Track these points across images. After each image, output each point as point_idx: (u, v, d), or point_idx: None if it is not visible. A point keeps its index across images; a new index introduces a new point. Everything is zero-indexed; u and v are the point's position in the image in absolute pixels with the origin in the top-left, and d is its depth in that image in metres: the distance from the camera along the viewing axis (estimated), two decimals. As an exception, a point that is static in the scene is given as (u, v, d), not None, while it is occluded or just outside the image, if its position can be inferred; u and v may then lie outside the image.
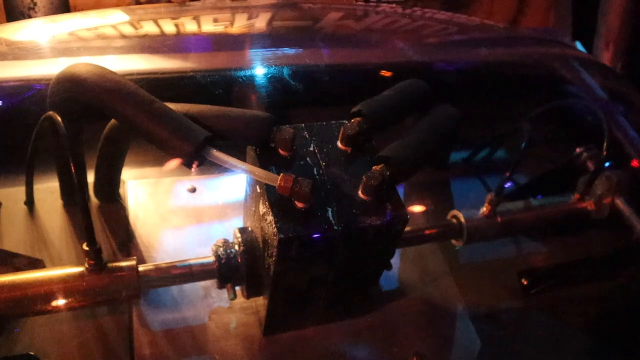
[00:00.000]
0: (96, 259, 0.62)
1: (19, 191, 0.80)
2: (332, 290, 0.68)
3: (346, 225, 0.59)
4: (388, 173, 0.61)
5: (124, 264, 0.64)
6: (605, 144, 0.85)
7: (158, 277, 0.66)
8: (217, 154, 0.59)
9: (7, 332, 0.69)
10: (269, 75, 0.97)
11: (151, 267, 0.65)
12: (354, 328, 0.77)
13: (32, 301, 0.60)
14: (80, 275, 0.62)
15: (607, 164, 0.88)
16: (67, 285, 0.61)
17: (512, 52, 1.22)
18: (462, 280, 0.87)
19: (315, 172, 0.62)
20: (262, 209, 0.60)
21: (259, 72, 0.97)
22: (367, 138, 0.66)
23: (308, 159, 0.63)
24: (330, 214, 0.59)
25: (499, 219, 0.82)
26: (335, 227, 0.58)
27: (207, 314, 0.74)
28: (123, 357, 0.69)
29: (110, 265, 0.63)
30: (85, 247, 0.61)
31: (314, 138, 0.66)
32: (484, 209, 0.81)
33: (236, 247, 0.66)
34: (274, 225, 0.57)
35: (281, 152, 0.63)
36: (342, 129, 0.65)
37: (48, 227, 0.80)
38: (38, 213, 0.81)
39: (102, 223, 0.81)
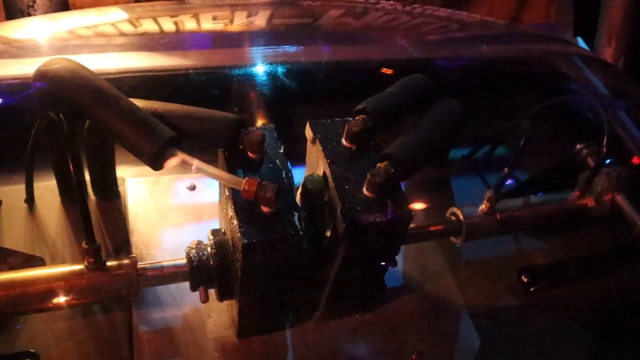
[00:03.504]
0: (96, 257, 0.62)
1: (19, 189, 0.80)
2: (336, 288, 0.68)
3: (351, 222, 0.59)
4: (392, 170, 0.61)
5: (123, 261, 0.64)
6: (605, 141, 0.84)
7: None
8: (182, 156, 0.58)
9: (7, 329, 0.69)
10: (269, 73, 0.96)
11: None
12: (353, 326, 0.77)
13: (32, 299, 0.61)
14: (79, 273, 0.62)
15: (607, 161, 0.88)
16: (66, 283, 0.61)
17: (513, 49, 1.21)
18: (462, 278, 0.87)
19: (283, 176, 0.61)
20: (230, 212, 0.59)
21: (259, 69, 0.97)
22: (372, 135, 0.66)
23: (277, 162, 0.63)
24: (296, 218, 0.58)
25: (498, 216, 0.81)
26: (301, 232, 0.57)
27: (207, 311, 0.74)
28: (123, 355, 0.69)
29: (109, 263, 0.63)
30: (84, 245, 0.61)
31: (318, 135, 0.65)
32: (483, 206, 0.81)
33: (209, 249, 0.64)
34: (238, 230, 0.56)
35: (250, 155, 0.62)
36: (346, 126, 0.65)
37: (48, 225, 0.80)
38: (38, 211, 0.81)
39: (100, 221, 0.81)
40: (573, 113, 1.06)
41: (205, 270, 0.64)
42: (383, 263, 0.71)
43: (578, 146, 0.96)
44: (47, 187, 0.82)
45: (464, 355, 0.78)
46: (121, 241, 0.80)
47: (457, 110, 0.73)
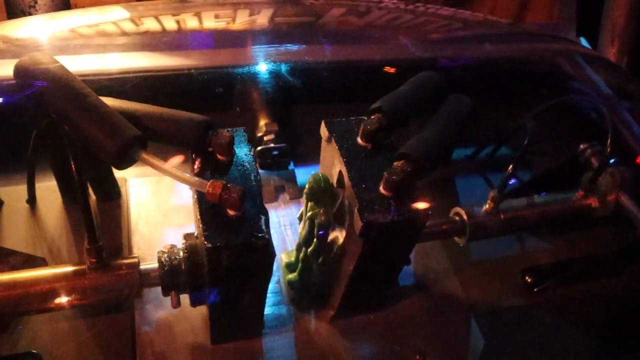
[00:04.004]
0: (98, 257, 0.61)
1: (21, 190, 0.80)
2: (352, 287, 0.68)
3: (369, 221, 0.59)
4: (409, 169, 0.61)
5: (125, 262, 0.64)
6: (609, 140, 0.84)
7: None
8: (146, 156, 0.56)
9: (10, 330, 0.69)
10: (272, 72, 0.96)
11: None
12: (356, 326, 0.77)
13: (34, 299, 0.60)
14: (81, 273, 0.62)
15: (611, 161, 0.87)
16: (68, 283, 0.61)
17: (516, 48, 1.21)
18: (465, 278, 0.86)
19: (252, 179, 0.61)
20: (197, 215, 0.58)
21: (262, 69, 0.97)
22: (387, 134, 0.65)
23: (247, 164, 0.62)
24: (262, 222, 0.57)
25: (502, 216, 0.81)
26: (267, 237, 0.56)
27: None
28: (125, 355, 0.69)
29: (111, 263, 0.63)
30: (86, 245, 0.61)
31: (334, 134, 0.65)
32: (486, 206, 0.80)
33: (181, 253, 0.63)
34: (202, 234, 0.55)
35: (219, 157, 0.61)
36: (362, 125, 0.65)
37: (50, 226, 0.80)
38: (40, 211, 0.81)
39: (102, 221, 0.81)
40: (577, 112, 1.06)
41: (176, 275, 0.62)
42: (398, 261, 0.70)
43: (582, 146, 0.95)
44: (48, 188, 0.82)
45: (468, 356, 0.78)
46: (123, 242, 0.80)
47: (468, 107, 0.73)
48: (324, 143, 0.70)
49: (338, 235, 0.75)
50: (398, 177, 0.60)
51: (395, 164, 0.62)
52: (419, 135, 0.65)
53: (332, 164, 0.68)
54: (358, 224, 0.60)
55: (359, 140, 0.65)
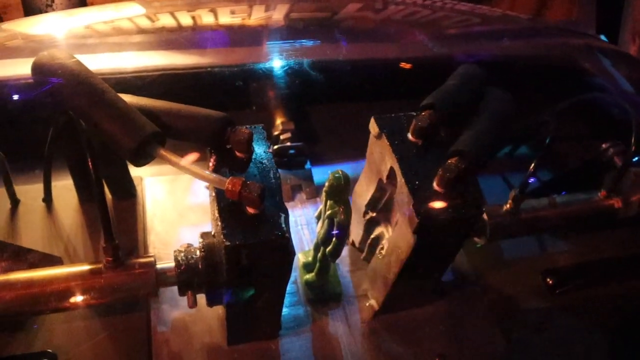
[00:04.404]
0: (114, 256, 0.61)
1: (37, 188, 0.80)
2: (399, 283, 0.68)
3: (424, 217, 0.58)
4: (463, 166, 0.61)
5: (142, 261, 0.63)
6: (633, 139, 0.82)
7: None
8: (164, 153, 0.56)
9: (25, 329, 0.69)
10: (289, 70, 0.95)
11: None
12: (374, 328, 0.76)
13: (50, 298, 0.60)
14: (98, 272, 0.61)
15: (635, 160, 0.85)
16: (85, 282, 0.61)
17: (537, 44, 1.19)
18: (485, 279, 0.85)
19: (271, 176, 0.60)
20: (215, 213, 0.57)
21: (278, 66, 0.96)
22: (437, 130, 0.65)
23: (266, 161, 0.61)
24: (282, 220, 0.56)
25: (522, 216, 0.80)
26: (287, 235, 0.55)
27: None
28: (141, 355, 0.69)
29: (128, 262, 0.62)
30: (103, 243, 0.60)
31: (385, 130, 0.65)
32: (507, 206, 0.79)
33: (198, 252, 0.63)
34: (221, 232, 0.54)
35: (237, 154, 0.61)
36: (413, 121, 0.64)
37: (66, 224, 0.80)
38: (56, 210, 0.81)
39: (118, 220, 0.81)
40: (599, 110, 1.04)
41: (193, 275, 0.62)
42: (446, 258, 0.71)
43: (604, 145, 0.93)
44: (65, 187, 0.82)
45: (488, 359, 0.76)
46: (139, 241, 0.79)
47: (511, 102, 0.72)
48: (372, 139, 0.70)
49: (384, 231, 0.74)
50: (453, 174, 0.59)
51: (449, 160, 0.62)
52: (470, 132, 0.65)
53: (381, 160, 0.68)
54: (414, 221, 0.59)
55: (409, 136, 0.65)
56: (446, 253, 0.69)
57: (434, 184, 0.61)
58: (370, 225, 0.78)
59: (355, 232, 0.82)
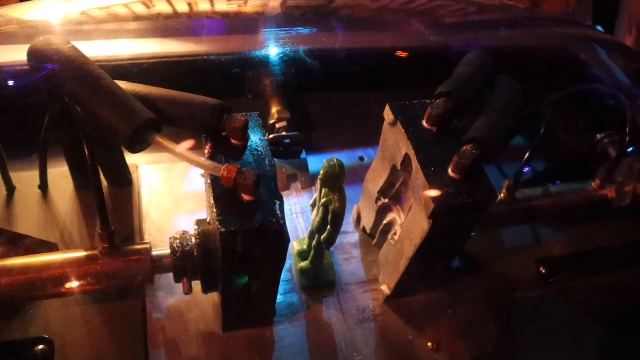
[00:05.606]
0: (110, 243, 0.61)
1: (33, 175, 0.80)
2: (411, 268, 0.69)
3: (440, 203, 0.59)
4: (478, 153, 0.61)
5: (137, 247, 0.63)
6: (627, 130, 0.82)
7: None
8: (160, 140, 0.56)
9: (21, 315, 0.69)
10: (285, 58, 0.95)
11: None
12: (369, 315, 0.76)
13: (46, 284, 0.60)
14: (94, 259, 0.61)
15: (629, 150, 0.86)
16: (80, 269, 0.61)
17: (533, 34, 1.19)
18: (479, 268, 0.85)
19: (266, 163, 0.60)
20: (211, 200, 0.58)
21: (274, 54, 0.95)
22: (451, 118, 0.66)
23: (261, 149, 0.61)
24: (277, 207, 0.56)
25: (516, 206, 0.80)
26: (282, 222, 0.55)
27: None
28: (136, 342, 0.69)
29: (123, 249, 0.63)
30: (99, 230, 0.61)
31: (400, 117, 0.66)
32: (501, 196, 0.80)
33: (193, 239, 0.63)
34: (216, 218, 0.55)
35: (233, 141, 0.61)
36: (429, 108, 0.65)
37: (62, 211, 0.80)
38: (52, 197, 0.81)
39: (114, 207, 0.81)
40: (593, 101, 1.04)
41: (188, 261, 0.62)
42: (459, 243, 0.72)
43: (599, 135, 0.94)
44: (61, 174, 0.82)
45: (481, 346, 0.77)
46: (135, 228, 0.79)
47: (520, 90, 0.73)
48: (386, 126, 0.71)
49: (396, 217, 0.75)
50: (468, 160, 0.60)
51: (464, 147, 0.62)
52: (484, 119, 0.66)
53: (396, 147, 0.68)
54: (430, 206, 0.60)
55: (424, 123, 0.66)
56: (458, 239, 0.70)
57: (449, 170, 0.62)
58: (382, 212, 0.79)
59: (367, 219, 0.82)
